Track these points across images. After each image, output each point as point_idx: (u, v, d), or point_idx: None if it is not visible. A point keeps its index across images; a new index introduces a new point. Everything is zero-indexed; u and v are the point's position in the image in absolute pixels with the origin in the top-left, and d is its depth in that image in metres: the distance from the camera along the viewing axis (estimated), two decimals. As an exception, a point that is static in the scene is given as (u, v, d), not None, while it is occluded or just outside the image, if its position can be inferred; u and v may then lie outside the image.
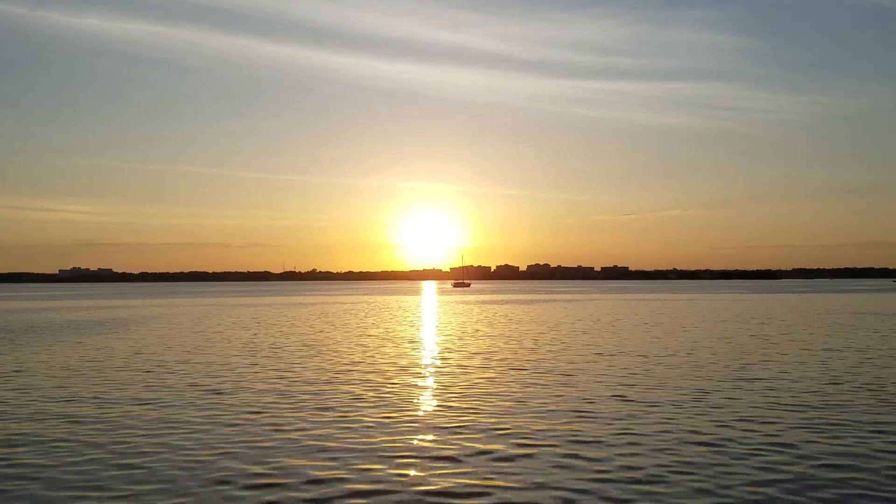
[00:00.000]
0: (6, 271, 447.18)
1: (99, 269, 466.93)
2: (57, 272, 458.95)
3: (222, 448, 12.10)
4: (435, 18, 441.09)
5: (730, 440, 12.43)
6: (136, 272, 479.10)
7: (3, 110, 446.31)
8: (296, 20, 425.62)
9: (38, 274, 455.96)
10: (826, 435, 12.80)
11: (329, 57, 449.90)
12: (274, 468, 10.87)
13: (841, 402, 16.01)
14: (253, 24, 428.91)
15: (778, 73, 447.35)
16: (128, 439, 12.80)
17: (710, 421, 14.07)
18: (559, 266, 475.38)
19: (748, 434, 12.88)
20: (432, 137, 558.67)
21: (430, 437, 12.90)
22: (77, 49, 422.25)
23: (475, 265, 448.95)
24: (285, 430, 13.44)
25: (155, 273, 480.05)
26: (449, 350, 27.86)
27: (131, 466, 11.01)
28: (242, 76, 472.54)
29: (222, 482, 10.17)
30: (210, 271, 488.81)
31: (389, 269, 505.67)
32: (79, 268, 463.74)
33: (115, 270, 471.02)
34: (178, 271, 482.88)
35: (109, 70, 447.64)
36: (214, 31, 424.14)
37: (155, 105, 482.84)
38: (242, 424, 14.01)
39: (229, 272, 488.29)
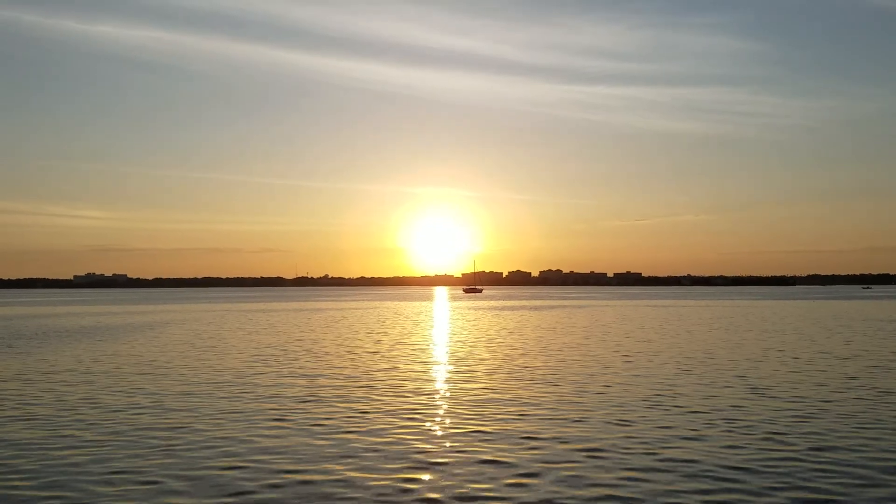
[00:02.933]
0: (21, 277, 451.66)
1: (114, 274, 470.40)
2: (72, 278, 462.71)
3: (239, 453, 12.41)
4: (444, 24, 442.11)
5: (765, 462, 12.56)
6: (151, 278, 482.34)
7: (17, 116, 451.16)
8: (306, 26, 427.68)
9: (53, 280, 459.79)
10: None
11: (339, 63, 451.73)
12: (294, 472, 11.17)
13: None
14: (265, 30, 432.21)
15: (787, 77, 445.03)
16: (154, 440, 13.15)
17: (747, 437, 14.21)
18: (571, 272, 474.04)
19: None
20: (442, 142, 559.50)
21: (455, 443, 13.14)
22: (89, 55, 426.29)
23: (487, 271, 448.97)
24: (304, 435, 13.73)
25: (169, 278, 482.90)
26: (466, 357, 28.04)
27: (162, 466, 11.34)
28: (255, 81, 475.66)
29: (238, 489, 10.48)
30: (223, 276, 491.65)
31: (401, 275, 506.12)
32: (93, 273, 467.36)
33: (129, 276, 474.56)
34: (191, 277, 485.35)
35: (121, 76, 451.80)
36: (227, 37, 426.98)
37: (168, 110, 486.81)
38: (265, 427, 14.30)
39: (242, 277, 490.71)
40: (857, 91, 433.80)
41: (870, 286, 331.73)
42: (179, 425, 14.72)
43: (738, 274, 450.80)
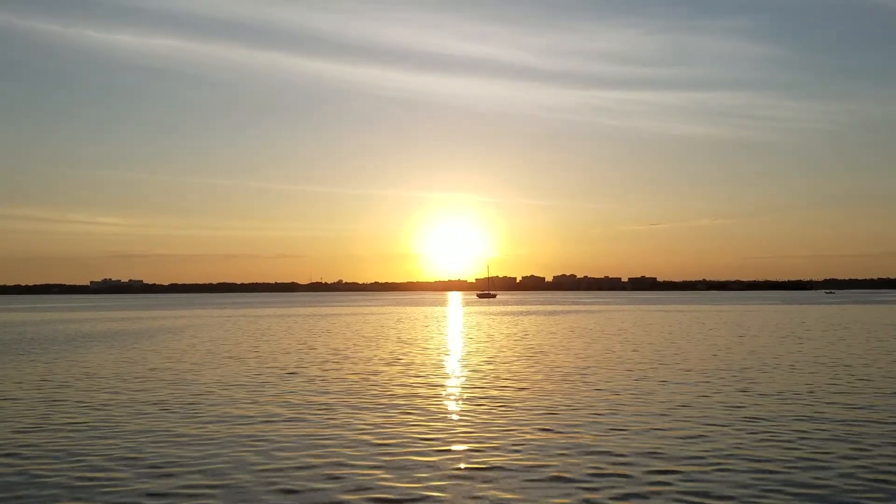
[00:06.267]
0: (38, 283, 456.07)
1: (130, 280, 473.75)
2: (88, 284, 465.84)
3: (246, 457, 12.42)
4: (458, 30, 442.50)
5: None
6: (167, 283, 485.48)
7: (36, 123, 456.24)
8: (321, 34, 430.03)
9: (69, 285, 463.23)
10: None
11: (354, 69, 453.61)
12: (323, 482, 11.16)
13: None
14: (280, 38, 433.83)
15: (805, 80, 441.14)
16: (178, 447, 13.19)
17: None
18: (586, 277, 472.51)
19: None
20: (456, 148, 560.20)
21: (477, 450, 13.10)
22: (109, 64, 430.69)
23: (501, 276, 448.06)
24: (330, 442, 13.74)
25: (185, 284, 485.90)
26: (485, 362, 27.99)
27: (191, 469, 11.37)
28: (271, 88, 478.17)
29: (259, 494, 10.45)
30: (239, 282, 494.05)
31: (415, 280, 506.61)
32: (110, 279, 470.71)
33: (145, 282, 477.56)
34: (207, 282, 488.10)
35: (139, 84, 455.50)
36: (243, 45, 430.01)
37: (185, 117, 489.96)
38: (284, 437, 14.33)
39: (257, 283, 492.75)
40: (875, 95, 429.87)
41: (833, 291, 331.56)
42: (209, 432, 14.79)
43: (754, 278, 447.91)
